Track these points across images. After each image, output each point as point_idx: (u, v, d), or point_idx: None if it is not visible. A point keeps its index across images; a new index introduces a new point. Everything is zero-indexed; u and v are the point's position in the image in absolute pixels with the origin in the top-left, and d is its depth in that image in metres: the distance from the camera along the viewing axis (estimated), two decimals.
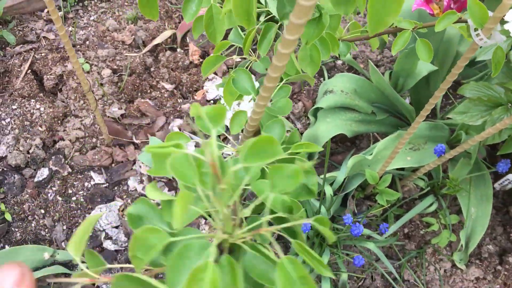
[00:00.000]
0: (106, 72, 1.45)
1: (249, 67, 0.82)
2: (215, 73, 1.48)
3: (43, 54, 1.48)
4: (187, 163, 0.32)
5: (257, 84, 0.85)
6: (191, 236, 0.33)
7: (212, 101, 1.41)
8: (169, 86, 1.46)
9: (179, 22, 1.59)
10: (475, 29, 0.70)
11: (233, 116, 0.63)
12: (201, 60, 1.51)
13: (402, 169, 1.27)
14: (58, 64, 1.46)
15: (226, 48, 0.87)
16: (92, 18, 1.60)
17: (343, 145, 1.42)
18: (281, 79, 0.68)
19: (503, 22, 0.63)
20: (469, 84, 0.99)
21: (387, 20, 0.39)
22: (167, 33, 1.54)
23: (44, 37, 1.53)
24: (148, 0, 0.67)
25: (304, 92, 1.46)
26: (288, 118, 1.42)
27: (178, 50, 1.54)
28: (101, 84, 1.42)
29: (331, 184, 1.21)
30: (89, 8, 1.63)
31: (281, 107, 0.61)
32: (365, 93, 1.31)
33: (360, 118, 1.30)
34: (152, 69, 1.49)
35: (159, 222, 0.36)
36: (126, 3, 1.65)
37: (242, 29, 1.13)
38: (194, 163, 0.32)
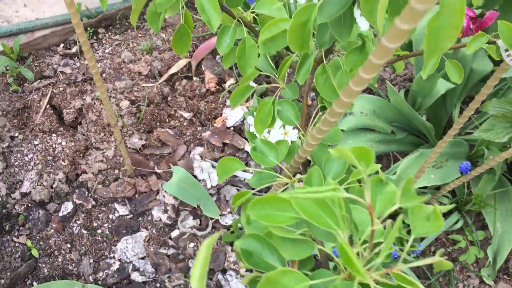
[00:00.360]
0: (125, 103, 1.46)
1: (278, 95, 0.84)
2: None
3: (61, 89, 1.50)
4: (325, 205, 0.32)
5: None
6: (330, 278, 0.33)
7: (232, 128, 1.42)
8: (187, 115, 1.47)
9: (193, 51, 1.61)
10: (506, 50, 0.72)
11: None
12: (217, 87, 1.53)
13: (425, 187, 1.28)
14: (76, 97, 1.47)
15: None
16: (107, 51, 1.62)
17: None
18: (324, 108, 0.69)
19: None
20: (491, 101, 1.00)
21: (445, 46, 0.40)
22: (182, 62, 1.57)
23: (61, 71, 1.55)
24: (181, 38, 0.68)
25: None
26: None
27: (194, 78, 1.56)
28: (121, 116, 1.43)
29: None
30: (104, 41, 1.65)
31: (331, 136, 0.62)
32: (384, 113, 1.32)
33: (380, 138, 1.31)
34: (169, 98, 1.51)
35: (272, 258, 0.36)
36: (139, 35, 1.67)
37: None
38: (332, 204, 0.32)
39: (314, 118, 0.71)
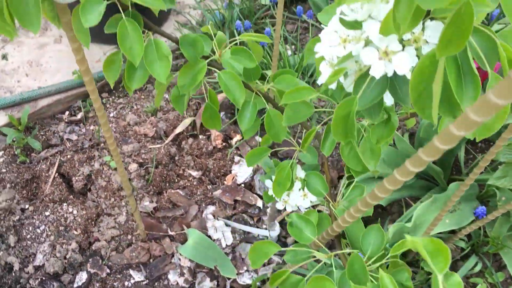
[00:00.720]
0: (133, 166, 1.47)
1: (296, 157, 0.85)
2: (241, 155, 1.51)
3: (68, 156, 1.50)
4: None
5: (302, 174, 0.87)
6: None
7: (243, 185, 1.43)
8: (196, 173, 1.48)
9: (197, 109, 1.63)
10: None
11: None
12: (224, 144, 1.54)
13: (440, 231, 1.28)
14: (84, 164, 1.48)
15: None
16: (112, 114, 1.64)
17: (375, 212, 1.43)
18: (351, 176, 0.70)
19: None
20: (501, 149, 1.02)
21: (495, 127, 0.43)
22: (187, 121, 1.58)
23: (67, 139, 1.56)
24: (211, 116, 0.70)
25: (329, 164, 1.48)
26: None
27: (200, 136, 1.57)
28: (130, 179, 1.43)
29: None
30: (108, 105, 1.67)
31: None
32: (392, 161, 1.33)
33: None
34: (176, 158, 1.52)
35: None
36: (142, 97, 1.70)
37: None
38: None
39: (337, 184, 0.72)
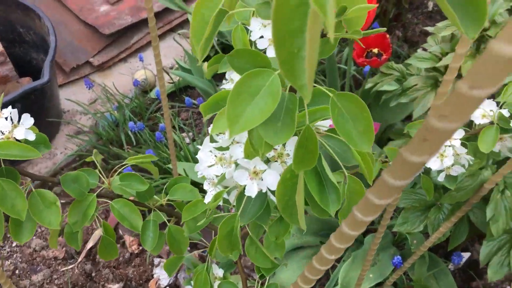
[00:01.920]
0: None
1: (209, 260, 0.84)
2: (161, 256, 1.46)
3: None
4: None
5: (220, 272, 0.86)
6: None
7: (168, 286, 1.38)
8: (117, 286, 1.40)
9: (106, 217, 1.58)
10: None
11: None
12: (140, 247, 1.49)
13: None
14: None
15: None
16: (14, 244, 1.53)
17: None
18: (263, 276, 0.71)
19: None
20: (400, 195, 1.10)
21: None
22: (98, 233, 1.52)
23: None
24: (107, 246, 0.68)
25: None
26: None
27: None
28: None
29: None
30: (5, 241, 1.56)
31: None
32: (308, 228, 1.37)
33: (313, 252, 1.35)
34: (93, 274, 1.44)
35: None
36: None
37: None
38: None
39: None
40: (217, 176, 0.52)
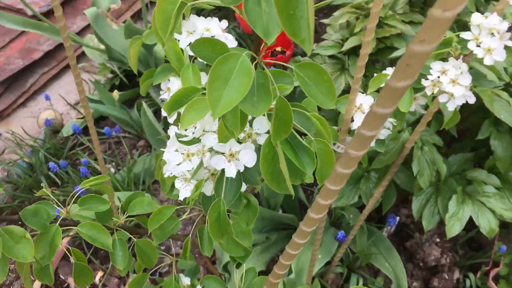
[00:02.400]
0: None
1: (174, 270, 0.85)
2: None
3: None
4: None
5: (187, 280, 0.88)
6: None
7: None
8: None
9: None
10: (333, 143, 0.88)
11: None
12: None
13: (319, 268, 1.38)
14: None
15: None
16: None
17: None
18: (239, 264, 0.73)
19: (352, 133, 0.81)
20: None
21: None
22: (37, 284, 1.44)
23: None
24: (82, 272, 0.67)
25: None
26: None
27: None
28: None
29: None
30: None
31: None
32: (255, 226, 1.41)
33: (262, 248, 1.39)
34: None
35: None
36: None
37: None
38: None
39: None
40: (188, 171, 0.54)
